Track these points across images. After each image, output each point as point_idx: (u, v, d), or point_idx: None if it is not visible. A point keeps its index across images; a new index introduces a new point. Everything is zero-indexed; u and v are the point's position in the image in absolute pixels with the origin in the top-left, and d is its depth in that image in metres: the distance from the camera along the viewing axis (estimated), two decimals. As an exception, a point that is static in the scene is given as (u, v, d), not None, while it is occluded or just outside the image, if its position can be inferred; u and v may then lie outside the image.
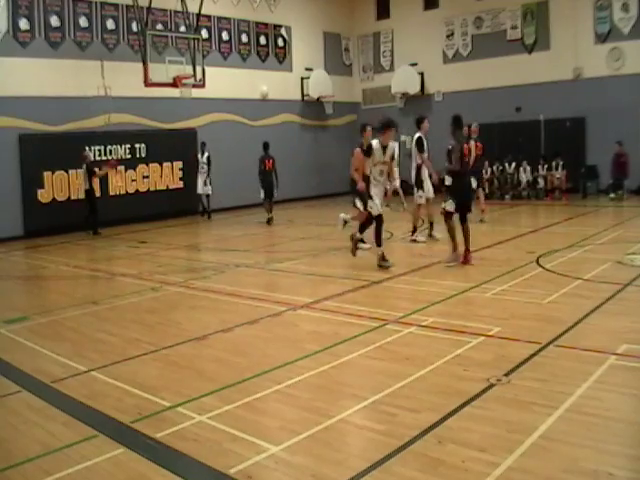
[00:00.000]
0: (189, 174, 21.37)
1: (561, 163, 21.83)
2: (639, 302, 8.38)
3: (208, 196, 20.80)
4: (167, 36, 20.49)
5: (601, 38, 22.29)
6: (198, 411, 5.35)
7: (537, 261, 11.08)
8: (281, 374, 6.15)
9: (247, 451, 4.61)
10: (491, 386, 5.58)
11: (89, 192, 17.77)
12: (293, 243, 15.01)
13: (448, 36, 25.82)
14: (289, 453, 4.57)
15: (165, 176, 21.11)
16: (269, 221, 18.68)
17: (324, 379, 6.05)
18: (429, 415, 5.04)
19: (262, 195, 18.48)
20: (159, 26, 20.61)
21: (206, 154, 20.38)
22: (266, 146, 18.47)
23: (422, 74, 26.22)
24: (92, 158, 18.40)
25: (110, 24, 19.66)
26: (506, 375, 5.81)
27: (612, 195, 20.58)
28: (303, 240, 15.43)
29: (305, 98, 26.01)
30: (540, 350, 6.47)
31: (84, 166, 17.80)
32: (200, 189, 20.62)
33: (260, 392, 5.71)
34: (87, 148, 18.56)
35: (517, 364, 6.09)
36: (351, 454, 4.64)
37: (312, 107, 26.29)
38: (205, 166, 20.38)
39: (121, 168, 19.63)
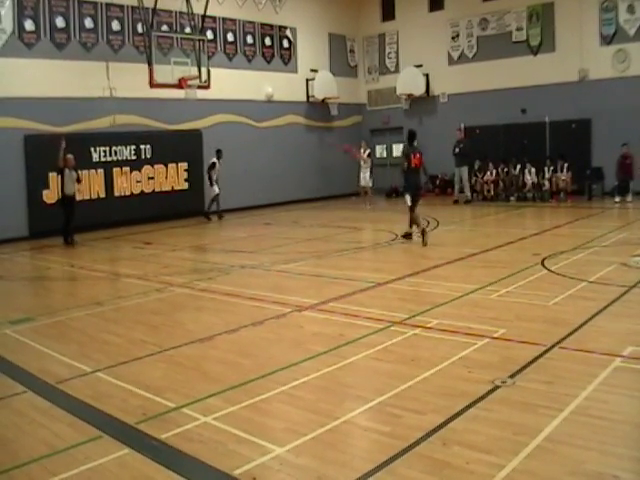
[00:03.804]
0: (194, 175, 21.42)
1: (566, 165, 21.79)
2: (644, 304, 8.36)
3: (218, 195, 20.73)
4: (172, 37, 20.51)
5: (607, 40, 22.25)
6: (203, 412, 5.35)
7: (542, 263, 11.07)
8: (286, 375, 6.16)
9: (252, 452, 4.61)
10: (496, 388, 5.58)
11: (73, 198, 16.74)
12: (298, 244, 15.01)
13: (453, 37, 25.81)
14: (294, 454, 4.58)
15: (170, 177, 21.11)
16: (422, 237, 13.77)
17: (329, 380, 6.05)
18: (434, 417, 5.04)
19: (409, 201, 13.98)
20: (164, 27, 20.65)
21: (221, 161, 20.58)
22: (412, 136, 14.14)
23: (427, 75, 26.21)
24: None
25: (115, 25, 19.68)
26: (511, 377, 5.81)
27: (617, 199, 20.53)
28: (308, 241, 15.44)
29: (310, 99, 25.98)
30: (545, 352, 6.47)
31: (67, 171, 16.39)
32: (217, 189, 20.56)
33: (265, 393, 5.72)
34: (92, 149, 18.60)
35: (522, 366, 6.08)
36: (356, 455, 4.65)
37: (317, 108, 26.28)
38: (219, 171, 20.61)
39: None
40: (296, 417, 5.27)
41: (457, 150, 22.59)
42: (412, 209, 13.83)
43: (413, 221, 14.02)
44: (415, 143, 14.17)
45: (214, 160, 20.48)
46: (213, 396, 5.72)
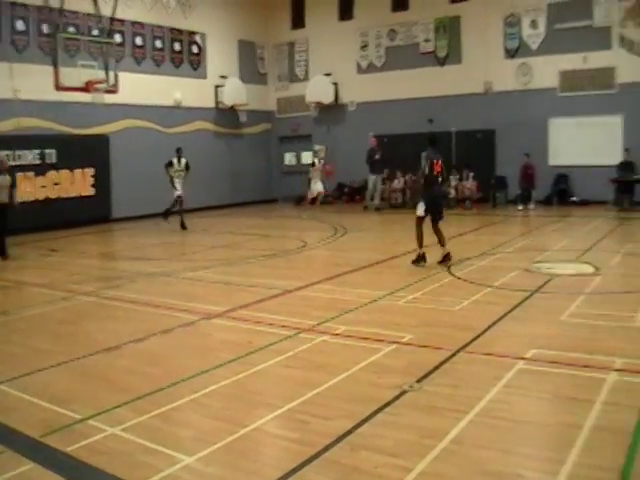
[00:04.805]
0: (101, 181, 20.98)
1: (471, 174, 22.47)
2: (546, 308, 8.64)
3: (180, 198, 19.43)
4: (79, 39, 20.07)
5: (510, 53, 23.05)
6: (110, 423, 5.25)
7: (449, 269, 11.32)
8: (195, 384, 6.10)
9: (161, 462, 4.55)
10: (403, 393, 5.67)
11: (7, 206, 14.49)
12: (207, 252, 14.90)
13: (362, 47, 26.14)
14: (203, 463, 4.54)
15: (77, 183, 20.60)
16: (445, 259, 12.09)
17: (238, 388, 6.03)
18: (342, 422, 5.09)
19: (421, 211, 11.89)
20: (71, 29, 20.14)
21: (183, 160, 19.36)
22: (434, 140, 12.47)
23: (336, 84, 26.46)
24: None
25: (20, 25, 19.07)
26: (418, 382, 5.91)
27: (520, 207, 21.23)
28: (217, 248, 15.35)
29: (219, 106, 25.80)
30: (451, 356, 6.62)
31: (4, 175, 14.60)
32: (179, 191, 19.30)
33: (174, 402, 5.65)
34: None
35: (429, 371, 6.20)
36: (265, 463, 4.65)
37: (226, 115, 26.14)
38: (183, 173, 19.35)
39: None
40: (205, 426, 5.23)
41: (377, 157, 22.75)
42: (421, 222, 11.83)
43: (417, 237, 11.82)
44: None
45: (171, 159, 19.36)
46: (121, 406, 5.62)
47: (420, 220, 11.86)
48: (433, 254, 11.88)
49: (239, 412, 5.46)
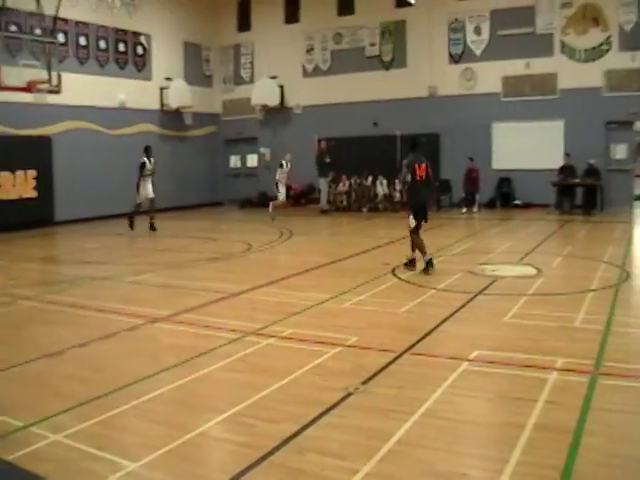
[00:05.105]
0: (43, 183, 20.59)
1: (416, 177, 22.60)
2: (489, 310, 8.79)
3: (153, 200, 19.10)
4: (21, 39, 19.67)
5: (455, 58, 23.41)
6: (53, 430, 5.16)
7: (393, 272, 11.40)
8: (139, 389, 6.04)
9: (105, 469, 4.48)
10: (349, 395, 5.69)
11: None
12: (152, 255, 14.77)
13: (308, 50, 26.22)
14: (148, 469, 4.49)
15: (18, 185, 20.18)
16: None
17: (183, 393, 5.98)
18: (289, 425, 5.09)
19: (413, 223, 11.53)
20: (13, 27, 19.73)
21: (153, 159, 18.95)
22: (416, 144, 12.15)
23: (282, 87, 26.47)
24: None
25: (-42, 23, 18.67)
26: (364, 384, 5.94)
27: (464, 210, 21.54)
28: (162, 252, 15.21)
29: (164, 108, 25.60)
30: (396, 358, 6.67)
31: None
32: (150, 194, 18.87)
33: (118, 408, 5.58)
34: None
35: (374, 373, 6.24)
36: (211, 468, 4.63)
37: (171, 117, 25.94)
38: (153, 173, 18.90)
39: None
40: (150, 431, 5.18)
41: (327, 160, 22.71)
42: (417, 231, 11.49)
43: (418, 246, 11.49)
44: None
45: (144, 159, 18.81)
46: (63, 413, 5.52)
47: (415, 230, 11.46)
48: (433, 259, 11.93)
49: (184, 417, 5.42)
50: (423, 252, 11.35)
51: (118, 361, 7.06)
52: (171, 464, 4.60)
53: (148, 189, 18.89)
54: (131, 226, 18.98)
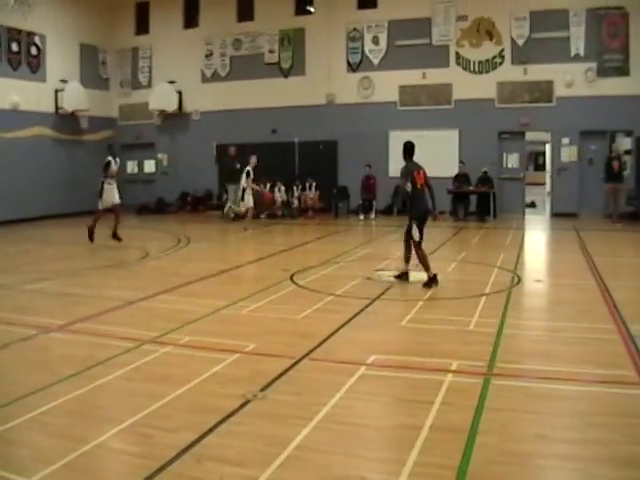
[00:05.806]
0: None
1: (314, 184, 22.86)
2: (386, 315, 8.92)
3: (118, 207, 16.96)
4: None
5: (353, 67, 23.75)
6: (-63, 445, 4.92)
7: (291, 278, 11.41)
8: (34, 401, 5.80)
9: (-6, 485, 4.31)
10: (247, 402, 5.65)
11: None
12: (48, 262, 14.27)
13: (207, 56, 26.04)
14: (42, 484, 4.34)
15: None
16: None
17: (80, 404, 5.80)
18: (187, 434, 5.01)
19: (417, 235, 10.68)
20: None
21: (118, 159, 17.06)
22: (411, 149, 11.49)
23: (180, 92, 26.18)
24: None
25: None
26: (262, 390, 5.91)
27: (361, 217, 21.84)
28: (58, 259, 14.74)
29: (59, 111, 24.82)
30: (294, 364, 6.67)
31: None
32: (116, 199, 16.88)
33: (10, 422, 5.33)
34: None
35: (272, 379, 6.21)
36: None
37: (66, 121, 25.17)
38: (117, 173, 16.85)
39: None
40: (45, 444, 4.99)
41: (238, 166, 22.37)
42: (420, 244, 10.63)
43: (422, 260, 10.63)
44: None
45: (109, 158, 16.59)
46: (-52, 426, 5.28)
47: (419, 244, 10.64)
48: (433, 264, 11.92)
49: (81, 429, 5.24)
50: (427, 267, 10.58)
51: (11, 373, 6.78)
52: (67, 478, 4.43)
53: (114, 194, 16.85)
54: (91, 237, 16.49)
